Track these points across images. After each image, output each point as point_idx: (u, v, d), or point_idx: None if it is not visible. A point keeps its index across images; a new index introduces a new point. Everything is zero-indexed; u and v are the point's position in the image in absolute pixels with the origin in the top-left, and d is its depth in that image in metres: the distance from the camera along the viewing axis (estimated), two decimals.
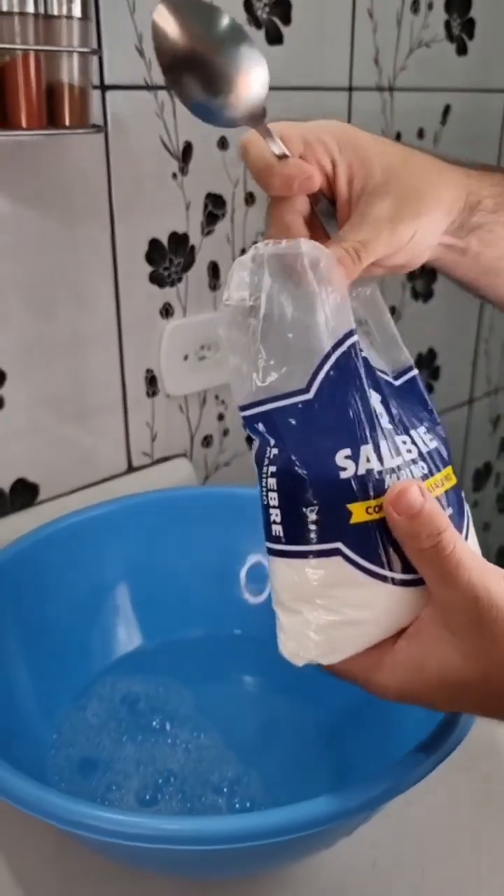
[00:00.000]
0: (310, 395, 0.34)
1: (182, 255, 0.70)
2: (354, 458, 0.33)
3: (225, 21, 0.35)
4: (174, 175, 0.68)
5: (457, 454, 1.14)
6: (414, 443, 0.36)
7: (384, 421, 0.35)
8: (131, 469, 0.73)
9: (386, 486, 0.33)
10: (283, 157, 0.36)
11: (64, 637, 0.53)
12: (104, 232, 0.64)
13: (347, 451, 0.33)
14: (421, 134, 0.88)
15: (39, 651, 0.51)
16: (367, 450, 0.33)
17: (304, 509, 0.33)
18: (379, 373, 0.37)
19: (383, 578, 0.34)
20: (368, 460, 0.33)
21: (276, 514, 0.34)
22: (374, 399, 0.35)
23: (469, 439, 1.14)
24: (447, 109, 0.89)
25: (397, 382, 0.38)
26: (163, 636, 0.57)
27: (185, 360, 0.73)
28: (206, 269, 0.72)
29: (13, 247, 0.59)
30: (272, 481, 0.34)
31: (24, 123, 0.54)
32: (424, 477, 0.35)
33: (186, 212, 0.69)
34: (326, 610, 0.34)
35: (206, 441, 0.79)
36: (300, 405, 0.34)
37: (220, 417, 0.79)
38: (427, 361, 1.01)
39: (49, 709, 0.51)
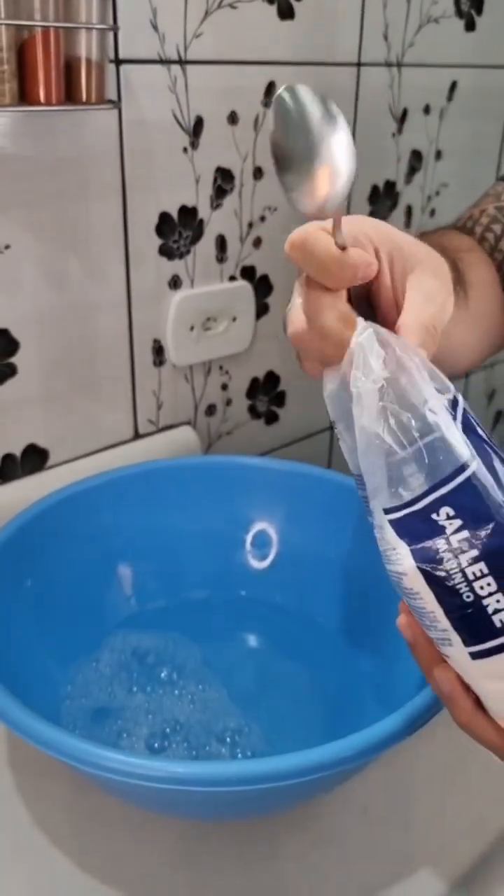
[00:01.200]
0: (476, 461, 0.32)
1: (191, 229, 0.72)
2: None
3: (318, 114, 0.34)
4: (185, 149, 0.69)
5: None
6: None
7: None
8: (137, 436, 0.76)
9: None
10: (343, 248, 0.36)
11: (78, 595, 0.56)
12: (116, 205, 0.66)
13: None
14: (427, 110, 0.89)
15: (55, 608, 0.54)
16: None
17: None
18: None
19: None
20: None
21: (497, 601, 0.30)
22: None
23: None
24: (454, 86, 0.90)
25: None
26: (172, 596, 0.60)
27: (191, 331, 0.75)
28: (213, 242, 0.74)
29: (29, 218, 0.61)
30: (478, 567, 0.30)
31: (42, 98, 0.55)
32: None
33: (196, 185, 0.71)
34: None
35: (210, 410, 0.81)
36: (477, 473, 0.31)
37: (224, 387, 0.82)
38: None
39: (64, 662, 0.54)
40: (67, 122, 0.61)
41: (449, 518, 0.31)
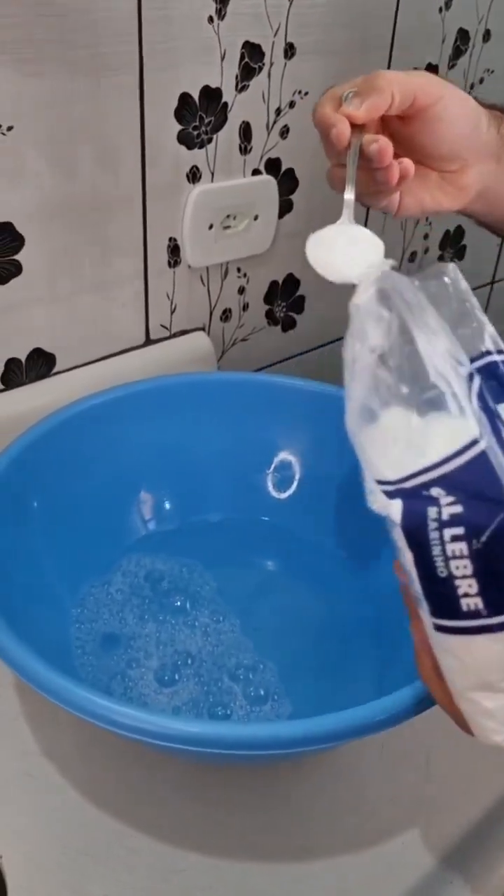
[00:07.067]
0: (484, 442, 0.29)
1: (213, 113, 0.65)
2: None
3: None
4: (210, 18, 0.61)
5: None
6: None
7: None
8: (149, 342, 0.71)
9: None
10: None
11: (88, 516, 0.53)
12: (132, 83, 0.59)
13: None
14: None
15: (63, 530, 0.51)
16: None
17: None
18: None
19: None
20: None
21: (469, 586, 0.29)
22: None
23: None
24: None
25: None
26: (187, 518, 0.57)
27: (209, 230, 0.69)
28: (237, 130, 0.67)
29: (34, 96, 0.54)
30: (458, 546, 0.29)
31: None
32: None
33: (221, 63, 0.63)
34: None
35: (225, 315, 0.76)
36: (481, 454, 0.29)
37: (241, 291, 0.76)
38: (454, 241, 0.96)
39: (74, 583, 0.52)
40: None
41: (447, 493, 0.29)
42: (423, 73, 0.45)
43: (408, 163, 0.44)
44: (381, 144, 0.42)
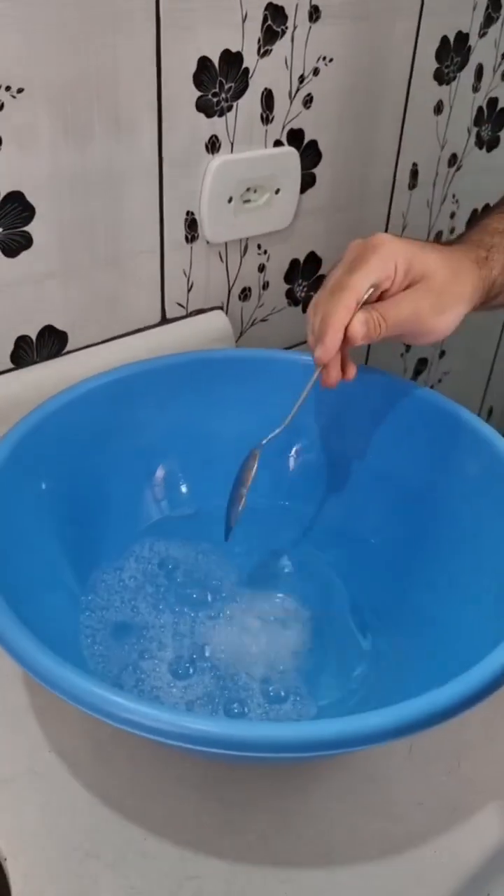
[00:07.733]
0: None
1: (234, 80, 0.62)
2: None
3: None
4: None
5: None
6: None
7: None
8: (165, 320, 0.68)
9: None
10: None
11: (101, 496, 0.51)
12: (149, 44, 0.56)
13: None
14: None
15: (75, 510, 0.49)
16: None
17: None
18: None
19: None
20: None
21: None
22: None
23: None
24: None
25: None
26: (204, 502, 0.55)
27: (228, 203, 0.66)
28: (259, 98, 0.64)
29: (46, 57, 0.51)
30: None
31: None
32: None
33: (242, 25, 0.60)
34: None
35: (244, 294, 0.73)
36: None
37: (261, 269, 0.73)
38: None
39: (85, 569, 0.49)
40: None
41: None
42: (421, 309, 0.47)
43: (350, 373, 0.50)
44: (331, 381, 0.48)
